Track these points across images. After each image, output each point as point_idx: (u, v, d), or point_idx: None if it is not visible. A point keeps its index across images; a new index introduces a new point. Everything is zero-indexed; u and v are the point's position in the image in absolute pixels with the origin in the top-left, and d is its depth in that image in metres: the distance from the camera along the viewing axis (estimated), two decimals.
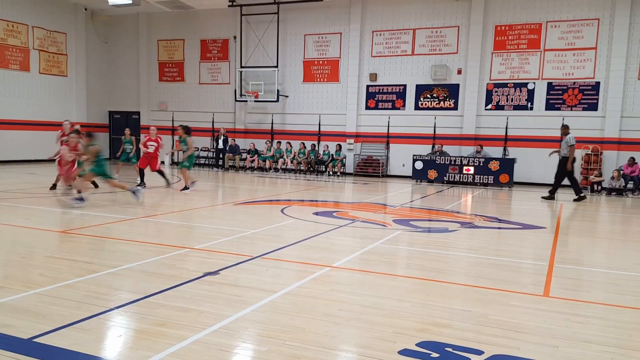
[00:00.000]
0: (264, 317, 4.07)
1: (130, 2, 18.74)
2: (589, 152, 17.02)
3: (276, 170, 20.49)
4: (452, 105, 18.98)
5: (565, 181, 13.77)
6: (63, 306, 4.14)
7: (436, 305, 4.51)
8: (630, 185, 15.90)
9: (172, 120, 23.19)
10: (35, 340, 3.44)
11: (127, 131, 16.40)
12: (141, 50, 23.77)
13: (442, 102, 19.11)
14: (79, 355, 3.24)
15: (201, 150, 22.58)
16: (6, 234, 7.31)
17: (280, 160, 20.54)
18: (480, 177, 17.13)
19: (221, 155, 21.41)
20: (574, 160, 13.33)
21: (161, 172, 13.34)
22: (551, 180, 18.02)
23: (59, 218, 8.77)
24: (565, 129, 13.65)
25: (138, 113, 24.19)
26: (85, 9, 22.75)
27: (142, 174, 13.18)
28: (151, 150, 13.19)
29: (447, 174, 17.52)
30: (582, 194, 13.48)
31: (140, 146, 13.41)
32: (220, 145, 21.33)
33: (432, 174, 17.72)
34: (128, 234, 7.35)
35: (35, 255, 6.06)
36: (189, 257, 6.01)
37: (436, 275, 5.69)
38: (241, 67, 21.64)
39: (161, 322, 3.85)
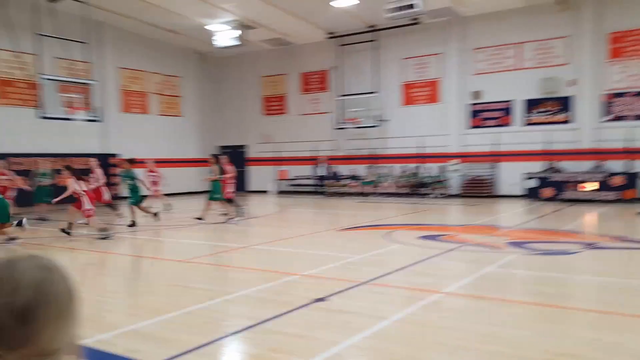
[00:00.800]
0: (376, 345, 4.00)
1: (237, 43, 19.99)
2: None
3: (378, 194, 20.41)
4: (566, 119, 17.76)
5: None
6: (185, 332, 4.38)
7: (560, 333, 4.16)
8: None
9: (276, 151, 24.11)
10: None
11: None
12: (247, 86, 25.15)
13: (553, 116, 17.96)
14: None
15: (304, 178, 23.14)
16: (133, 265, 7.96)
17: (382, 185, 20.45)
18: (602, 194, 15.72)
19: (322, 183, 21.81)
20: None
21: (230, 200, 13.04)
22: None
23: (175, 248, 9.39)
24: None
25: (245, 146, 25.48)
26: (197, 53, 24.64)
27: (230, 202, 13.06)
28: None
29: (564, 192, 16.30)
30: None
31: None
32: (321, 173, 21.75)
33: (547, 192, 16.58)
34: (241, 261, 7.66)
35: (160, 284, 6.52)
36: (299, 283, 6.12)
37: (558, 300, 5.26)
38: (340, 95, 22.05)
39: (274, 348, 3.93)
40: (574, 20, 17.31)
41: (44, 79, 14.39)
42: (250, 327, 4.44)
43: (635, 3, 16.35)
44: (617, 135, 16.72)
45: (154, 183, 14.71)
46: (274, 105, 24.59)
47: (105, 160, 17.30)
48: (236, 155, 25.73)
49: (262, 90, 24.86)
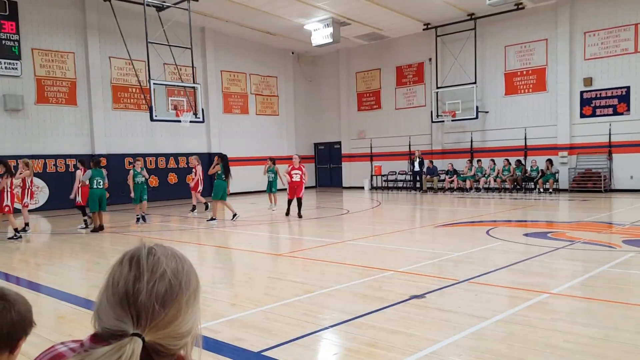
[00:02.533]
0: (477, 345, 3.84)
1: (331, 40, 20.17)
2: None
3: (478, 190, 19.60)
4: None
5: None
6: (285, 323, 4.50)
7: None
8: None
9: (371, 147, 24.04)
10: (263, 353, 3.80)
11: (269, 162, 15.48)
12: (341, 83, 25.33)
13: None
14: None
15: (398, 173, 22.86)
16: (233, 257, 8.32)
17: (482, 179, 19.61)
18: None
19: (418, 178, 21.37)
20: None
21: (300, 201, 12.78)
22: None
23: (274, 242, 9.68)
24: None
25: (339, 143, 25.67)
26: (292, 53, 25.22)
27: (290, 202, 12.99)
28: (296, 179, 12.84)
29: None
30: None
31: (284, 174, 13.27)
32: (417, 168, 21.32)
33: None
34: (336, 256, 7.73)
35: (259, 276, 6.76)
36: (394, 279, 6.04)
37: None
38: (437, 87, 21.47)
39: (372, 343, 3.91)
40: None
41: (154, 83, 15.43)
42: (347, 321, 4.46)
43: None
44: None
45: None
46: (369, 100, 24.52)
47: (209, 158, 18.20)
48: (331, 152, 26.05)
49: (357, 86, 24.89)
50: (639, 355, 3.51)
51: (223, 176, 12.18)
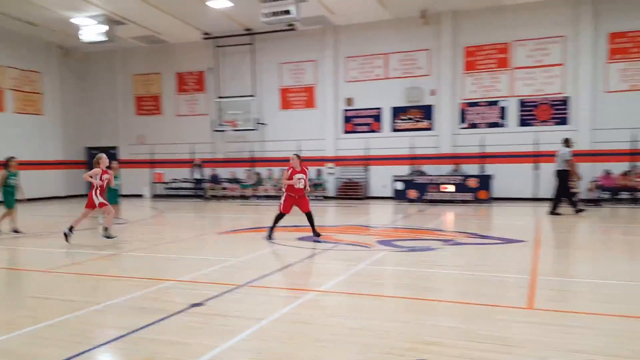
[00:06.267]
0: (254, 346, 4.05)
1: (105, 39, 18.80)
2: None
3: (258, 197, 20.47)
4: (428, 126, 19.30)
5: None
6: (49, 346, 4.06)
7: (424, 323, 4.54)
8: (605, 195, 16.27)
9: (152, 153, 23.09)
10: None
11: (116, 164, 14.05)
12: (117, 85, 23.77)
13: (417, 123, 19.42)
14: None
15: (181, 181, 22.48)
16: None
17: (262, 187, 20.54)
18: (459, 195, 17.35)
19: (201, 186, 21.34)
20: (575, 174, 13.15)
21: (310, 216, 9.80)
22: (528, 195, 18.32)
23: (40, 256, 8.61)
24: (566, 143, 13.34)
25: (116, 148, 24.03)
26: (59, 48, 22.71)
27: (279, 218, 9.77)
28: (300, 185, 9.66)
29: (427, 193, 17.72)
30: (579, 208, 13.20)
31: (284, 181, 9.83)
32: (197, 176, 21.28)
33: (413, 193, 17.91)
34: (112, 269, 7.25)
35: (16, 297, 5.94)
36: (175, 289, 5.95)
37: (423, 293, 5.73)
38: (218, 97, 21.76)
39: (148, 357, 3.80)
40: (434, 34, 18.89)
41: None
42: (121, 336, 4.24)
43: (486, 21, 18.28)
44: (472, 141, 18.57)
45: None
46: (148, 105, 23.54)
47: None
48: (108, 157, 24.18)
49: (135, 89, 23.67)
50: (388, 339, 4.12)
51: None
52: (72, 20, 18.76)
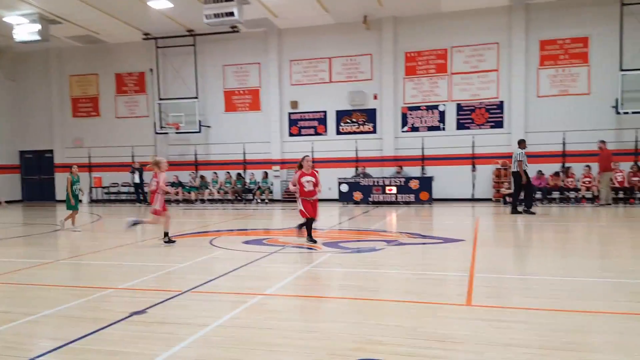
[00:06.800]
0: (197, 353, 3.99)
1: (39, 38, 17.96)
2: (499, 167, 18.17)
3: (202, 201, 20.12)
4: (371, 129, 19.65)
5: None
6: None
7: (369, 323, 4.62)
8: (538, 195, 17.12)
9: (89, 157, 22.23)
10: None
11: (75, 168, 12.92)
12: (52, 86, 22.74)
13: (361, 127, 19.74)
14: None
15: (121, 185, 21.80)
16: None
17: (207, 191, 20.21)
18: (402, 196, 17.76)
19: (140, 190, 20.73)
20: (525, 174, 13.75)
21: (311, 221, 9.58)
22: (467, 195, 19.06)
23: None
24: (519, 145, 14.07)
25: (51, 151, 22.97)
26: None
27: (309, 224, 9.45)
28: (310, 187, 9.41)
29: (372, 195, 18.02)
30: (531, 210, 13.89)
31: (290, 186, 9.89)
32: (137, 180, 20.65)
33: (358, 195, 18.16)
34: (48, 278, 6.93)
35: None
36: (115, 297, 5.77)
37: (368, 294, 5.84)
38: (159, 99, 21.24)
39: None
40: (376, 39, 19.28)
41: None
42: (57, 348, 4.07)
43: (425, 27, 18.85)
44: (413, 144, 19.07)
45: None
46: (86, 106, 22.67)
47: None
48: (41, 161, 23.12)
49: (71, 90, 22.74)
50: (335, 340, 4.17)
51: None
52: (4, 19, 17.85)
